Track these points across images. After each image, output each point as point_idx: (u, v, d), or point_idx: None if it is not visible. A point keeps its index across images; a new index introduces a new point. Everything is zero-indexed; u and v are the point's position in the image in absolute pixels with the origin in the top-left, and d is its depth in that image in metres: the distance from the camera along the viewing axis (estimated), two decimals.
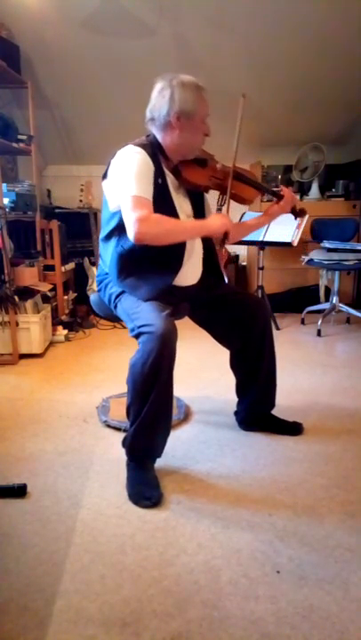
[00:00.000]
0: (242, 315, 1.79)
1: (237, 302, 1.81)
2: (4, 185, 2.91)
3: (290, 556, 1.27)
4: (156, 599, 1.13)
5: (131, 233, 1.50)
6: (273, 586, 1.17)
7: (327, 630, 1.05)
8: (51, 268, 3.46)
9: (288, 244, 3.27)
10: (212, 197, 1.85)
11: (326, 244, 3.41)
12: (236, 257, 4.45)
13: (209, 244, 1.84)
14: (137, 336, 1.51)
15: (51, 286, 3.31)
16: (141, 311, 1.55)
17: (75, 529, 1.37)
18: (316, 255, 3.43)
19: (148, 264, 1.64)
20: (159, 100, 1.61)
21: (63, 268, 3.53)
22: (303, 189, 4.17)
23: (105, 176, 1.66)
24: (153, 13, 3.01)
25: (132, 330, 1.54)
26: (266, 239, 3.41)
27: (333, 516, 1.43)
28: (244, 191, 1.78)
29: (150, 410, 1.50)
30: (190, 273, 1.75)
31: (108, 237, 1.70)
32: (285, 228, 3.37)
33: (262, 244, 3.47)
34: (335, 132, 4.13)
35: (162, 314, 1.50)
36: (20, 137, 3.04)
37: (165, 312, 1.52)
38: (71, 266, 3.77)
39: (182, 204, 1.72)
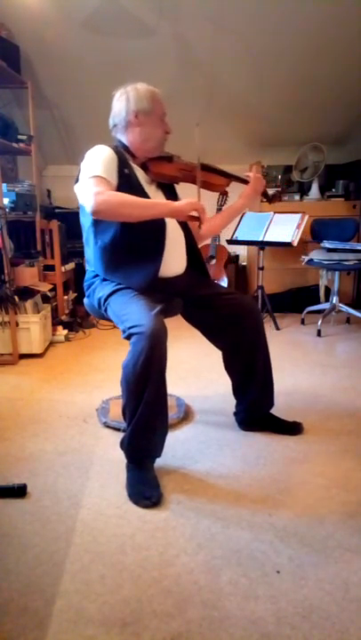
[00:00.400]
0: (233, 315, 1.80)
1: (229, 302, 1.82)
2: (4, 185, 2.91)
3: (290, 555, 1.27)
4: (156, 599, 1.13)
5: (88, 207, 1.53)
6: (273, 586, 1.17)
7: (327, 630, 1.05)
8: (51, 268, 3.46)
9: (288, 244, 3.28)
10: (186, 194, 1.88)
11: (326, 244, 3.41)
12: (236, 257, 4.45)
13: (190, 239, 1.87)
14: (128, 337, 1.51)
15: (51, 286, 3.31)
16: (130, 312, 1.55)
17: (75, 529, 1.37)
18: (316, 255, 3.42)
19: (132, 254, 1.67)
20: (117, 106, 1.74)
21: (63, 268, 3.53)
22: (303, 189, 4.17)
23: (77, 180, 1.69)
24: (153, 13, 3.01)
25: (124, 332, 1.54)
26: (266, 239, 3.42)
27: (333, 516, 1.43)
28: (213, 178, 1.89)
29: (145, 409, 1.50)
30: (175, 261, 1.77)
31: (87, 237, 1.76)
32: (285, 228, 3.37)
33: (262, 244, 3.47)
34: (335, 132, 4.13)
35: (150, 313, 1.50)
36: (20, 137, 3.04)
37: (155, 310, 1.52)
38: (71, 266, 3.77)
39: (155, 197, 1.75)
